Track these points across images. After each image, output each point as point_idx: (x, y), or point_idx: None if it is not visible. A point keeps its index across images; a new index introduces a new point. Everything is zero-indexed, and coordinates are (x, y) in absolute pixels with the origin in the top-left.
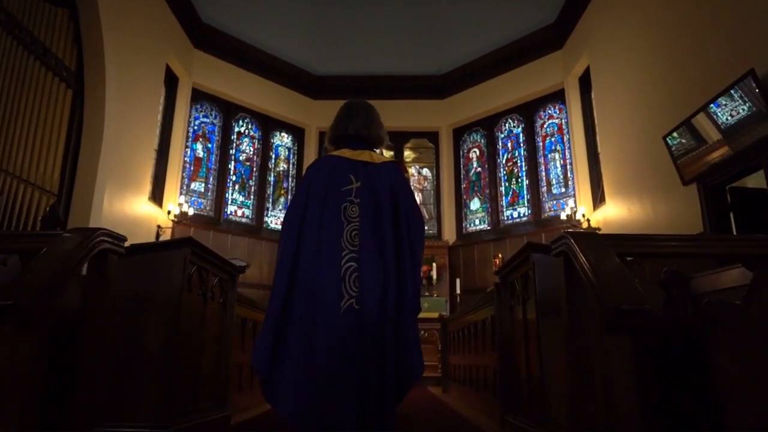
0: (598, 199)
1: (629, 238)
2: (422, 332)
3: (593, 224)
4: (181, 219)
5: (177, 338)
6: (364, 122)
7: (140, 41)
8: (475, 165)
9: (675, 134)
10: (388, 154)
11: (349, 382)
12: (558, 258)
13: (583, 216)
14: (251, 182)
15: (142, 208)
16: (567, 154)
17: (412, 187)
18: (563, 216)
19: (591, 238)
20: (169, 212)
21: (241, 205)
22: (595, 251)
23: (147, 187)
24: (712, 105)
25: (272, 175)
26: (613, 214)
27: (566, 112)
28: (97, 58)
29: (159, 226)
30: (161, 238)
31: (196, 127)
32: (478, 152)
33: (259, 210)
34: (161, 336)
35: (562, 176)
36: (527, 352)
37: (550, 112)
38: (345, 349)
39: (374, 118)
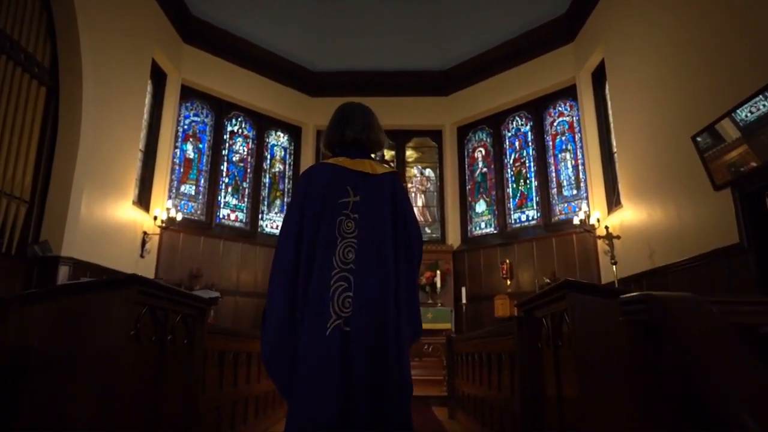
0: (613, 202)
1: (747, 303)
2: (426, 346)
3: (614, 232)
4: (169, 225)
5: (115, 403)
6: (361, 127)
7: (122, 34)
8: (480, 165)
9: (706, 133)
10: (389, 154)
11: (329, 413)
12: (625, 316)
13: (598, 221)
14: (245, 184)
15: (125, 213)
16: (579, 153)
17: (415, 189)
18: (576, 220)
19: (688, 303)
20: (155, 218)
21: (235, 209)
22: (700, 323)
23: (131, 191)
24: (757, 98)
25: (267, 176)
26: (631, 219)
27: (578, 109)
28: (72, 52)
29: (145, 233)
30: (147, 246)
31: (186, 127)
32: (483, 152)
33: (254, 214)
34: (91, 405)
35: (573, 177)
36: (560, 413)
37: (560, 109)
38: (326, 375)
39: (372, 122)
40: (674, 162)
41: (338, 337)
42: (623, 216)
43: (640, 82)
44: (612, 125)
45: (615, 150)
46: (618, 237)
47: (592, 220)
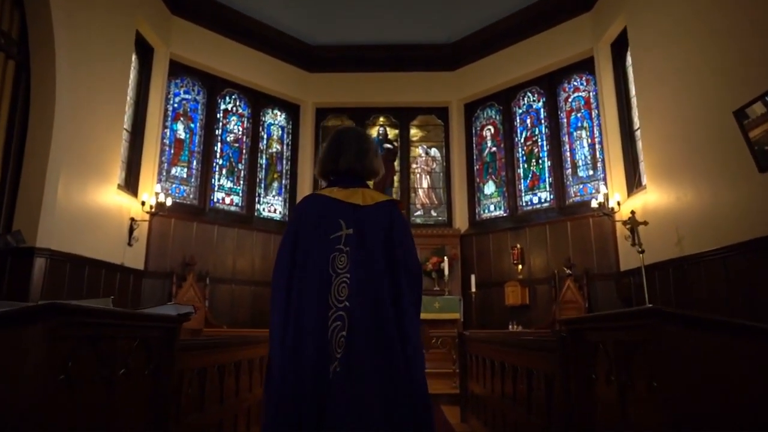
0: (634, 184)
1: None
2: (435, 339)
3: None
4: (158, 210)
5: None
6: (355, 155)
7: (100, 3)
8: (489, 144)
9: (752, 108)
10: (392, 133)
11: None
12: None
13: (618, 204)
14: (240, 166)
15: (110, 198)
16: (596, 131)
17: (420, 170)
18: (594, 203)
19: None
20: (143, 203)
21: (230, 192)
22: None
23: (116, 174)
24: None
25: (264, 157)
26: (655, 202)
27: (595, 84)
28: (42, 22)
29: (132, 219)
30: (135, 233)
31: (176, 105)
32: (492, 130)
33: (250, 197)
34: None
35: (589, 157)
36: None
37: (575, 83)
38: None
39: (367, 149)
40: (710, 140)
41: (341, 380)
42: (647, 199)
43: (668, 52)
44: (634, 100)
45: (637, 127)
46: (645, 223)
47: (612, 203)
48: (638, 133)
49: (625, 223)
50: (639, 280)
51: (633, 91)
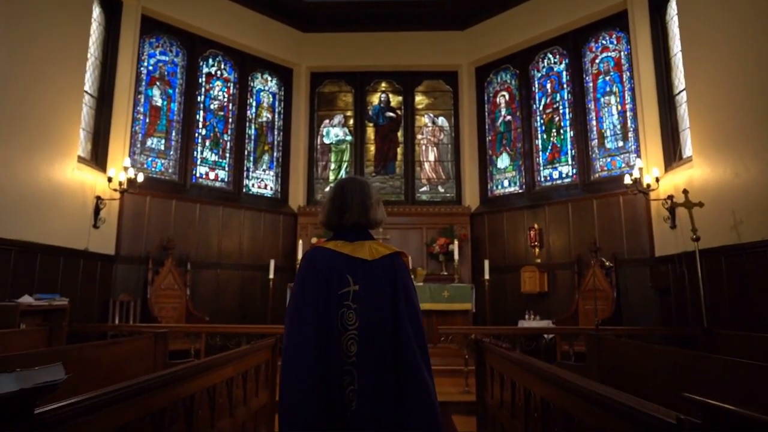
0: (674, 156)
1: None
2: (443, 338)
3: (676, 194)
4: (129, 187)
5: None
6: (359, 210)
7: None
8: (503, 112)
9: None
10: (395, 100)
11: None
12: None
13: (657, 180)
14: (226, 137)
15: (69, 174)
16: (627, 97)
17: (426, 141)
18: (627, 179)
19: None
20: (109, 179)
21: (214, 166)
22: None
23: (75, 146)
24: None
25: (253, 127)
26: (704, 178)
27: (628, 42)
28: None
29: (99, 198)
30: (101, 214)
31: (151, 68)
32: (507, 96)
33: (237, 171)
34: None
35: (619, 126)
36: None
37: (604, 42)
38: None
39: (371, 203)
40: None
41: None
42: (692, 174)
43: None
44: (676, 60)
45: (678, 91)
46: (701, 204)
47: (648, 180)
48: (680, 98)
49: (666, 201)
50: (679, 268)
51: (675, 49)
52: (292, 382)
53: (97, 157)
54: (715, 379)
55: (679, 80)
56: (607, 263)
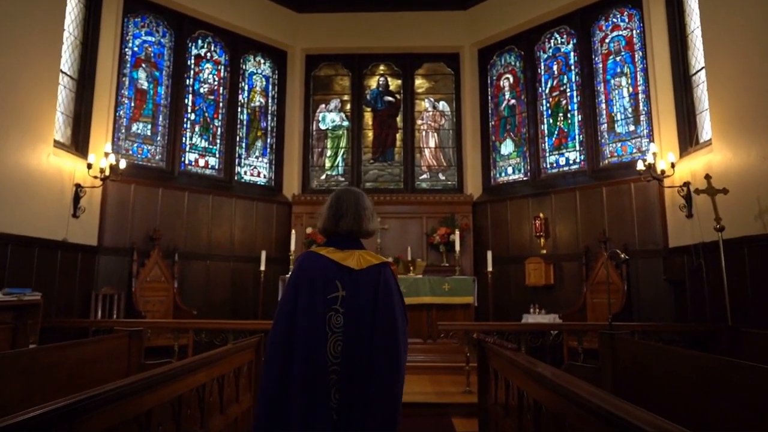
0: (690, 141)
1: None
2: (443, 335)
3: (693, 180)
4: (110, 175)
5: None
6: (353, 219)
7: None
8: (507, 96)
9: None
10: (394, 84)
11: None
12: None
13: (672, 166)
14: (217, 122)
15: (43, 160)
16: (639, 78)
17: (426, 126)
18: (640, 165)
19: None
20: (89, 166)
21: (204, 153)
22: None
23: (51, 130)
24: None
25: (245, 112)
26: (725, 163)
27: (640, 20)
28: None
29: (78, 186)
30: (81, 202)
31: (136, 48)
32: (511, 79)
33: (229, 158)
34: None
35: (630, 110)
36: None
37: (615, 20)
38: None
39: (365, 215)
40: None
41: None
42: (711, 159)
43: None
44: (693, 37)
45: (696, 70)
46: (725, 191)
47: (662, 165)
48: (697, 78)
49: (682, 188)
50: (696, 260)
51: (692, 26)
52: (273, 377)
53: (78, 143)
54: (743, 388)
55: (697, 59)
56: (623, 255)
